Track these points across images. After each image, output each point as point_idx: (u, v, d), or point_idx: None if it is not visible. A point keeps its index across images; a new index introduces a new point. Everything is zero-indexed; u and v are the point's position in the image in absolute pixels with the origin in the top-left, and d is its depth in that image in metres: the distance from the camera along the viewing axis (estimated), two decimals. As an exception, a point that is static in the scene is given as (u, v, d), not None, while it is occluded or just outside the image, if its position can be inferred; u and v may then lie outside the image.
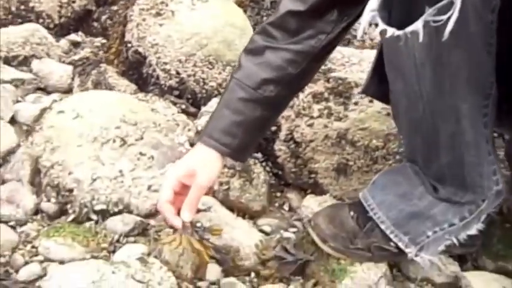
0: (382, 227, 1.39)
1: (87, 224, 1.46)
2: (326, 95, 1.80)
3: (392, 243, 1.40)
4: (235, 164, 1.69)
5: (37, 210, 1.59)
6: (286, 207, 1.75)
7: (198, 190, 1.34)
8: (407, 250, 1.39)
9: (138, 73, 2.23)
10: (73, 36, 2.66)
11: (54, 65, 2.32)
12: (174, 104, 2.08)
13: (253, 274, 1.47)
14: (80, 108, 1.74)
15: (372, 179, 1.51)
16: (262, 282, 1.44)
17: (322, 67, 1.97)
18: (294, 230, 1.62)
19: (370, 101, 1.76)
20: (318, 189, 1.74)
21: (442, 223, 1.36)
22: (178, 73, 2.12)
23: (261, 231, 1.63)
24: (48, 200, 1.60)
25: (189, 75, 2.14)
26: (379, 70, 1.40)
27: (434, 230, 1.37)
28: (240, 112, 1.37)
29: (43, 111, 1.83)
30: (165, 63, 2.13)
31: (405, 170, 1.42)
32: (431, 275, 1.47)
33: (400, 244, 1.39)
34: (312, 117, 1.76)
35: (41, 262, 1.35)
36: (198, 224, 1.42)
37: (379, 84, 1.46)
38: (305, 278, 1.46)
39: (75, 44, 2.62)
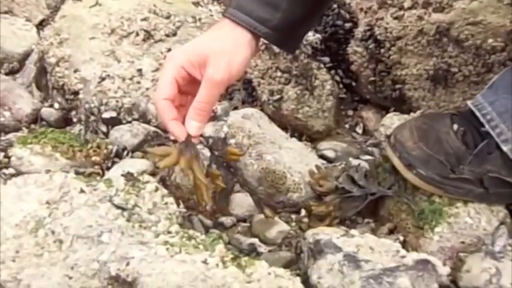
0: (505, 148, 0.84)
1: (76, 129, 1.01)
2: (424, -20, 1.22)
3: (519, 175, 0.84)
4: (292, 66, 1.17)
5: (37, 118, 1.16)
6: (359, 129, 1.22)
7: (209, 87, 0.80)
8: (544, 188, 0.83)
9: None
10: None
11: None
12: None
13: (303, 212, 0.96)
14: (102, -5, 1.28)
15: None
16: (315, 223, 0.94)
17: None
18: (368, 158, 1.09)
19: (487, -13, 1.16)
20: (404, 106, 1.20)
21: None
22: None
23: (322, 157, 1.12)
24: (51, 106, 1.18)
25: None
26: None
27: None
28: None
29: (61, 2, 1.40)
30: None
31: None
32: None
33: (532, 177, 0.83)
34: (401, 8, 1.20)
35: (11, 176, 0.92)
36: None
37: None
38: (378, 221, 0.94)
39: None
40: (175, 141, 0.95)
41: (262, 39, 0.87)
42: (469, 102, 0.91)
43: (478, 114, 0.88)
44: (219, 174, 0.85)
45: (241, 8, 0.84)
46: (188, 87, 0.84)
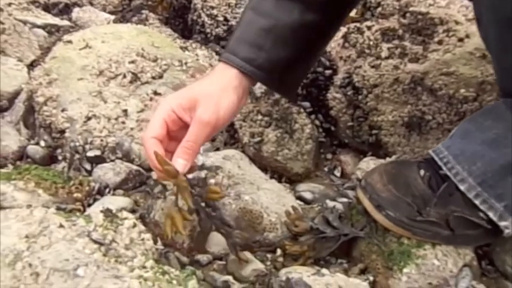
0: (462, 187, 0.88)
1: (60, 167, 1.05)
2: (400, 32, 1.30)
3: (482, 214, 0.88)
4: (272, 110, 1.23)
5: (23, 155, 1.19)
6: (337, 172, 1.26)
7: (197, 127, 0.86)
8: (502, 223, 0.87)
9: (182, 21, 1.83)
10: (127, -8, 2.30)
11: (94, 13, 1.97)
12: (220, 55, 1.63)
13: (278, 251, 0.99)
14: (91, 39, 1.35)
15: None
16: (289, 262, 0.97)
17: (398, 2, 1.48)
18: (344, 200, 1.12)
19: (460, 40, 1.23)
20: (381, 151, 1.25)
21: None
22: (226, 20, 1.68)
23: (300, 198, 1.16)
24: (37, 143, 1.21)
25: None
26: None
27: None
28: (269, 14, 0.91)
29: (53, 44, 1.46)
30: (212, 8, 1.70)
31: (497, 109, 0.90)
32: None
33: (490, 214, 0.87)
34: (378, 58, 1.26)
35: (-7, 211, 0.95)
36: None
37: None
38: (350, 262, 0.97)
39: (129, -1, 2.24)
40: (156, 181, 0.99)
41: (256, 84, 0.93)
42: (431, 150, 0.95)
43: (436, 158, 0.92)
44: (190, 219, 0.88)
45: (232, 51, 0.92)
46: (177, 132, 0.88)
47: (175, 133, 0.89)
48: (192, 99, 0.88)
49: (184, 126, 0.88)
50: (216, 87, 0.89)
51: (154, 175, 1.12)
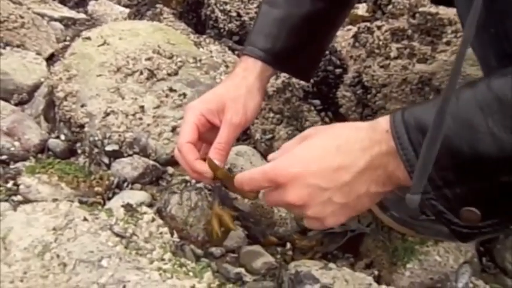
0: None
1: (81, 161, 1.11)
2: (409, 32, 1.33)
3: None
4: (284, 108, 1.28)
5: (44, 148, 1.25)
6: (346, 169, 1.30)
7: (228, 129, 0.92)
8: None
9: (196, 15, 1.87)
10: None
11: (110, 6, 2.03)
12: (232, 50, 1.68)
13: (288, 245, 1.05)
14: (109, 36, 1.40)
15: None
16: (298, 256, 1.02)
17: (408, 2, 1.52)
18: (352, 196, 1.17)
19: (468, 41, 1.27)
20: (388, 149, 1.28)
21: None
22: (239, 15, 1.73)
23: (309, 194, 1.20)
24: (57, 137, 1.27)
25: (251, 18, 1.74)
26: None
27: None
28: (282, 6, 0.98)
29: (72, 39, 1.52)
30: (225, 3, 1.75)
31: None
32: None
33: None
34: (387, 58, 1.30)
35: (19, 203, 1.01)
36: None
37: None
38: (356, 256, 1.02)
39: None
40: (171, 175, 1.05)
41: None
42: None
43: None
44: (235, 215, 0.95)
45: (252, 43, 0.99)
46: (207, 134, 0.94)
47: (203, 135, 0.95)
48: (220, 103, 0.94)
49: (212, 128, 0.95)
50: (242, 91, 0.95)
51: (170, 170, 1.18)
